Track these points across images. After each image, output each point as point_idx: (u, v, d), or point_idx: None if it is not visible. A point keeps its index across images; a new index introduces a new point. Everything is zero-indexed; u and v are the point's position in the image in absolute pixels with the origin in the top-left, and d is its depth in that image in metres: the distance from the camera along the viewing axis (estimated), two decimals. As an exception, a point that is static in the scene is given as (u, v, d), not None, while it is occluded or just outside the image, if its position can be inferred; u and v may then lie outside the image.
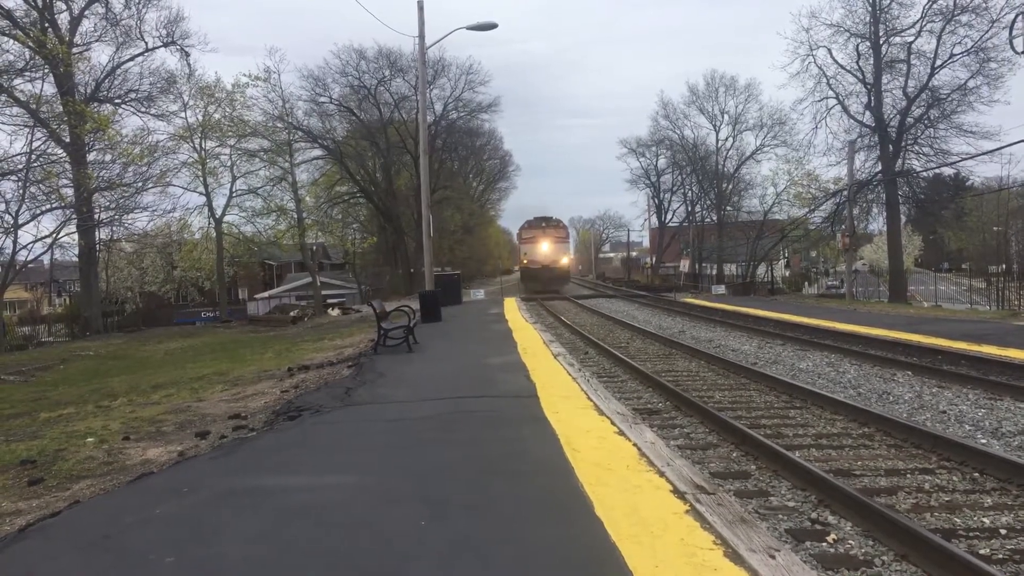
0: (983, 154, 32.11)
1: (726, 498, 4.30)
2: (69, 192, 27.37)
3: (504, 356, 11.26)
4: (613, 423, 6.24)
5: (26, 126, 25.55)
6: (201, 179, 34.92)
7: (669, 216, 67.92)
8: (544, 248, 44.24)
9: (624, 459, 5.10)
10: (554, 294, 39.29)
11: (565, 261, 45.61)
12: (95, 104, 29.32)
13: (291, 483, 4.88)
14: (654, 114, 79.14)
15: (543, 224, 45.80)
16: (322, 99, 44.46)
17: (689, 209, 61.49)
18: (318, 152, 42.46)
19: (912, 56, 35.14)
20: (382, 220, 48.66)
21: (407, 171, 47.84)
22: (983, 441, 6.80)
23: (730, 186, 55.66)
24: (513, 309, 23.66)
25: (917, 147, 36.32)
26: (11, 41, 25.05)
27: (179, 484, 4.96)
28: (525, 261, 45.50)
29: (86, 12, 30.11)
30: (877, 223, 44.01)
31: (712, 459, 6.43)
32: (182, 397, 10.70)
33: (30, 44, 24.87)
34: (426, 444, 5.83)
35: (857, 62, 36.40)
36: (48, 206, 26.74)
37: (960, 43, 33.33)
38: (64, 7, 29.34)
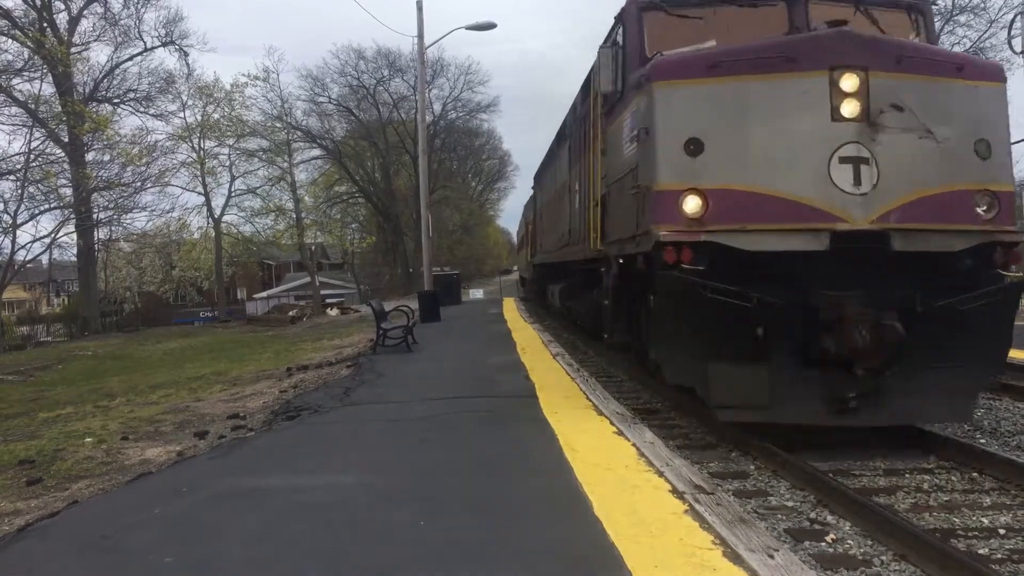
0: (982, 154, 32.15)
1: (725, 498, 4.30)
2: (68, 192, 27.43)
3: (503, 356, 11.25)
4: (612, 423, 6.23)
5: (25, 126, 25.61)
6: (200, 179, 34.98)
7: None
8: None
9: (623, 459, 5.09)
10: None
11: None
12: (94, 104, 29.35)
13: (290, 483, 4.87)
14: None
15: None
16: (321, 99, 44.55)
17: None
18: (317, 152, 42.60)
19: (911, 56, 35.17)
20: (381, 220, 48.68)
21: (406, 171, 47.86)
22: (982, 441, 6.79)
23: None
24: (512, 309, 23.65)
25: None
26: (9, 41, 25.09)
27: (178, 484, 4.95)
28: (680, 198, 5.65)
29: (84, 12, 30.17)
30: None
31: (711, 459, 6.43)
32: (180, 397, 10.70)
33: (29, 44, 24.89)
34: (425, 444, 5.83)
35: (856, 62, 36.42)
36: (47, 206, 26.84)
37: (959, 43, 33.34)
38: (63, 7, 29.40)
